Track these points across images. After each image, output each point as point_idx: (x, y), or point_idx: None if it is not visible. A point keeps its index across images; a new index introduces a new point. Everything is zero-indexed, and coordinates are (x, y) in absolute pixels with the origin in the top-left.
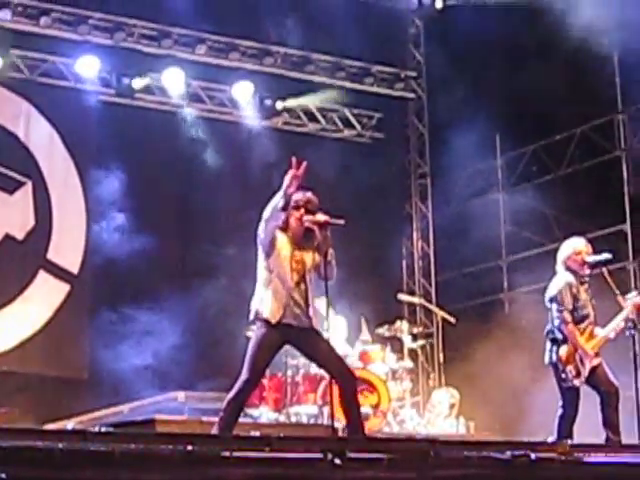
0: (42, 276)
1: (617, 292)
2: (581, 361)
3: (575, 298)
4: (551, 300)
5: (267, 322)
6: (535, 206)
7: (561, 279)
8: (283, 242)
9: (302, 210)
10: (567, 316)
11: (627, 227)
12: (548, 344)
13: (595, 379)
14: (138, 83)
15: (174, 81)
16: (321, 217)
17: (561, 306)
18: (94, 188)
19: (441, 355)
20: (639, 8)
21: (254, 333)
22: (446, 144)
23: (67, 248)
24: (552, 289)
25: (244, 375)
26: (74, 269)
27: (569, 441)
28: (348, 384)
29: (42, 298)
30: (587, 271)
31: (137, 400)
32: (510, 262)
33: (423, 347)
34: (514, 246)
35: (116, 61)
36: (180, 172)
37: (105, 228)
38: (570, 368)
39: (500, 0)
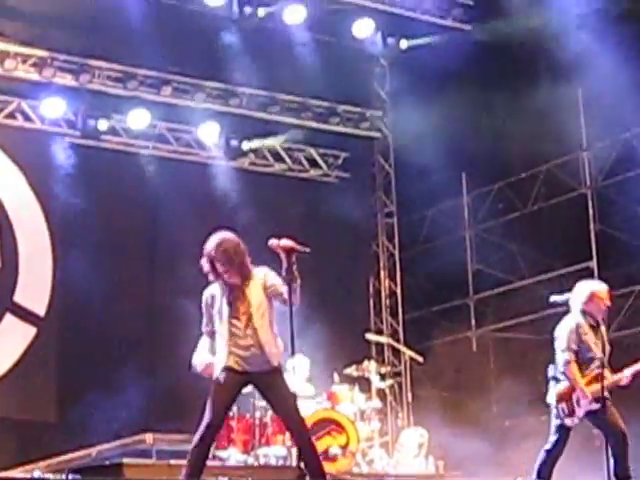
0: (9, 319)
1: None
2: (577, 401)
3: (580, 340)
4: (556, 339)
5: (223, 369)
6: (502, 243)
7: (571, 320)
8: (217, 294)
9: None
10: (569, 356)
11: (593, 264)
12: (550, 382)
13: (601, 422)
14: (103, 124)
15: (140, 122)
16: (287, 242)
17: (564, 346)
18: (60, 229)
19: (409, 394)
20: (602, 45)
21: (214, 379)
22: (412, 182)
23: (34, 290)
24: (559, 328)
25: (206, 419)
26: (41, 311)
27: None
28: (301, 438)
29: (8, 341)
30: (603, 316)
31: (105, 443)
32: (477, 299)
33: (391, 387)
34: (481, 284)
35: (81, 102)
36: (147, 213)
37: (71, 269)
38: (563, 406)
39: (465, 39)
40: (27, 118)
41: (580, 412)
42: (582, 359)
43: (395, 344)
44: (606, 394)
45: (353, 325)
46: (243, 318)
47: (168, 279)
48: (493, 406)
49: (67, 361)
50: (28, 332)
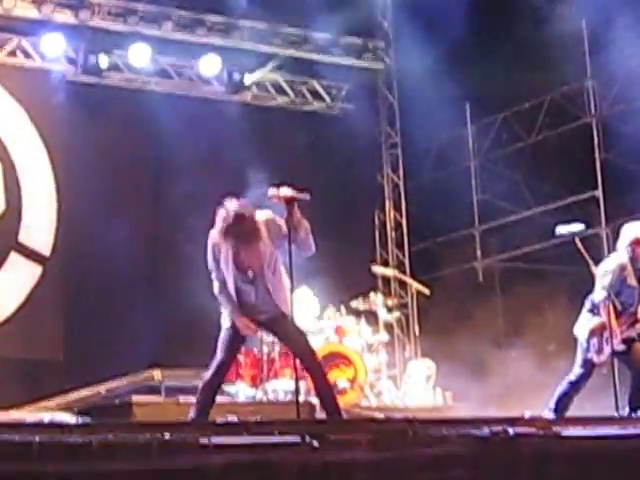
0: (13, 258)
1: (591, 263)
2: (607, 340)
3: (624, 281)
4: (600, 274)
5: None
6: (507, 174)
7: (616, 259)
8: (227, 254)
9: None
10: (607, 294)
11: (599, 193)
12: (584, 313)
13: (626, 357)
14: (104, 61)
15: (141, 58)
16: (287, 191)
17: (605, 283)
18: (64, 168)
19: (416, 326)
20: None
21: (225, 321)
22: (416, 113)
23: (38, 230)
24: (605, 264)
25: (218, 357)
26: (46, 251)
27: (547, 416)
28: (316, 373)
29: (15, 281)
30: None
31: (114, 380)
32: (483, 230)
33: (398, 319)
34: (487, 214)
35: (82, 39)
36: (150, 150)
37: (75, 208)
38: (594, 341)
39: None
40: (27, 56)
41: (608, 350)
42: (621, 301)
43: (401, 276)
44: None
45: (359, 258)
46: (250, 270)
47: (173, 214)
48: (500, 336)
49: (74, 299)
50: (34, 271)
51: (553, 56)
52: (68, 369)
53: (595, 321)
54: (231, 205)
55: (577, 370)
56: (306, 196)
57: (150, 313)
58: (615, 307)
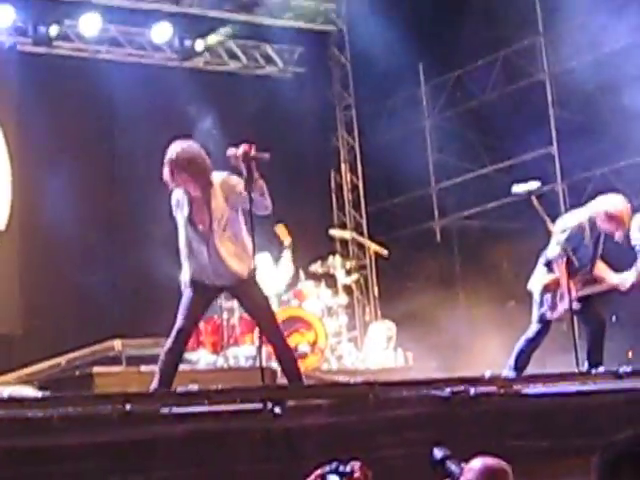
0: None
1: (548, 220)
2: (561, 297)
3: (582, 241)
4: (557, 229)
5: (193, 282)
6: (461, 132)
7: (577, 217)
8: (181, 200)
9: None
10: (563, 251)
11: (554, 149)
12: (538, 267)
13: (582, 312)
14: (55, 31)
15: (91, 27)
16: (245, 148)
17: (562, 239)
18: (16, 140)
19: (375, 288)
20: None
21: (185, 290)
22: (370, 75)
23: None
24: (565, 221)
25: (177, 325)
26: (0, 225)
27: (507, 374)
28: (276, 338)
29: None
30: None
31: (74, 351)
32: (439, 189)
33: (357, 281)
34: (443, 173)
35: (31, 10)
36: (102, 118)
37: (29, 181)
38: (547, 297)
39: None
40: None
41: (562, 307)
42: (577, 257)
43: (359, 238)
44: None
45: (316, 221)
46: (204, 232)
47: (127, 184)
48: (459, 295)
49: (31, 273)
50: None
51: (504, 14)
52: (26, 343)
53: (549, 277)
54: (176, 146)
55: (533, 327)
56: (265, 155)
57: (109, 283)
58: (570, 264)
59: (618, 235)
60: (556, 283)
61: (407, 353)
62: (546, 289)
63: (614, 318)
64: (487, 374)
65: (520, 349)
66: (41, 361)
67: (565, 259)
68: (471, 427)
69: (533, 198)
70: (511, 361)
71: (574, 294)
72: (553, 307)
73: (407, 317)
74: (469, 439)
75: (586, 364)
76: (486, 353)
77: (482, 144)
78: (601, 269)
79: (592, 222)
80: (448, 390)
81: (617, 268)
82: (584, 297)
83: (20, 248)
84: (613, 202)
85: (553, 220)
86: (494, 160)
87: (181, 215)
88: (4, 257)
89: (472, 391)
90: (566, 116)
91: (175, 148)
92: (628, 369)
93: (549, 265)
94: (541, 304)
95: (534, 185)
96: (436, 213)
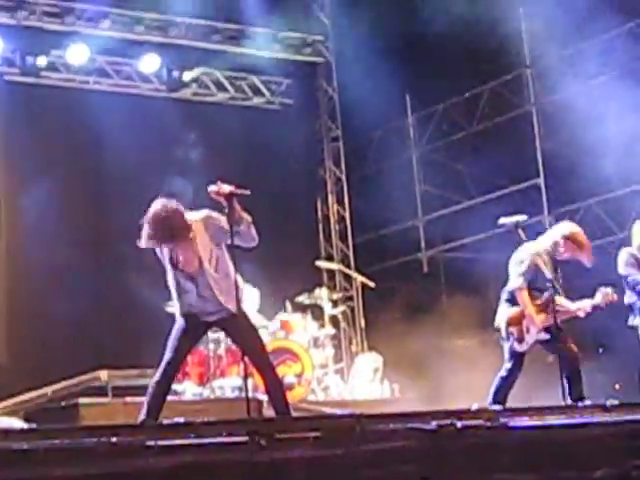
0: None
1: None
2: (527, 329)
3: (540, 269)
4: (514, 262)
5: (185, 315)
6: (449, 164)
7: (536, 246)
8: (163, 250)
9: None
10: (522, 282)
11: (541, 181)
12: (502, 304)
13: (552, 347)
14: (43, 61)
15: (79, 57)
16: (226, 187)
17: (521, 271)
18: (3, 169)
19: (362, 320)
20: None
21: (177, 322)
22: (357, 106)
23: None
24: (520, 252)
25: (167, 357)
26: None
27: (494, 407)
28: (267, 370)
29: None
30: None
31: (60, 381)
32: (427, 221)
33: (344, 312)
34: (430, 205)
35: (19, 40)
36: (90, 148)
37: (16, 210)
38: (513, 330)
39: None
40: None
41: (530, 339)
42: (536, 287)
43: (346, 270)
44: (559, 323)
45: (303, 252)
46: (194, 272)
47: (114, 213)
48: (446, 327)
49: (16, 302)
50: None
51: (491, 45)
52: (12, 374)
53: (512, 310)
54: (155, 206)
55: (506, 365)
56: (245, 191)
57: (95, 314)
58: (531, 294)
59: (586, 258)
60: (520, 316)
61: (393, 385)
62: (510, 323)
63: (601, 350)
64: (474, 406)
65: (496, 387)
66: (27, 391)
67: (526, 289)
68: (458, 460)
69: (520, 230)
70: (489, 399)
71: (540, 325)
72: (520, 339)
73: (394, 348)
74: (456, 473)
75: (569, 400)
76: (473, 385)
77: (469, 175)
78: (560, 299)
79: (551, 250)
80: (434, 423)
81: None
82: (551, 327)
83: (5, 277)
84: (568, 227)
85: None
86: (481, 191)
87: (168, 259)
88: None
89: (459, 424)
90: (553, 148)
91: (147, 219)
92: (615, 402)
93: (511, 300)
94: (508, 339)
95: (521, 217)
96: (423, 244)
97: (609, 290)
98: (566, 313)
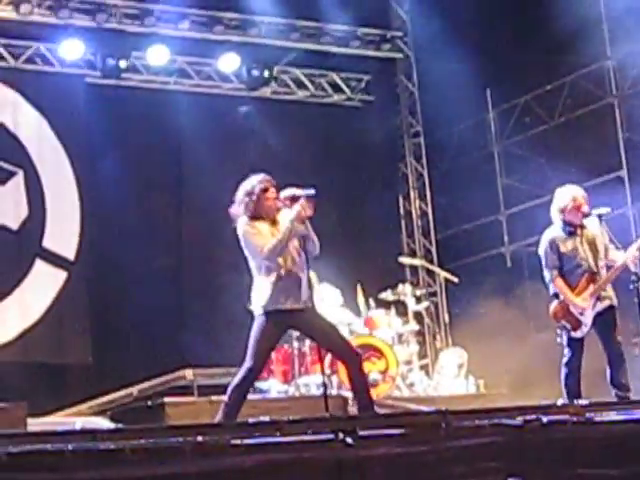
0: (39, 264)
1: (619, 246)
2: (580, 312)
3: (559, 252)
4: (540, 257)
5: (267, 312)
6: (530, 158)
7: (545, 238)
8: (265, 230)
9: (271, 190)
10: (553, 273)
11: (624, 173)
12: (553, 300)
13: (600, 332)
14: (123, 63)
15: (159, 58)
16: (289, 192)
17: (546, 264)
18: (86, 172)
19: (446, 315)
20: None
21: (256, 321)
22: (437, 101)
23: (62, 235)
24: (539, 247)
25: (247, 363)
26: (70, 255)
27: (579, 400)
28: (351, 361)
29: (40, 286)
30: (582, 220)
31: (145, 381)
32: (509, 215)
33: (428, 308)
34: (512, 199)
35: (100, 42)
36: (172, 150)
37: (99, 211)
38: (564, 322)
39: None
40: (46, 62)
41: (587, 320)
42: (568, 269)
43: (429, 265)
44: (608, 293)
45: (386, 249)
46: (290, 255)
47: (195, 213)
48: (531, 321)
49: (100, 303)
50: (59, 276)
51: (572, 36)
52: (97, 373)
53: (554, 304)
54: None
55: (565, 351)
56: (311, 191)
57: (176, 313)
58: (566, 278)
59: (585, 208)
60: (563, 306)
61: (479, 380)
62: (556, 317)
63: None
64: (559, 401)
65: (564, 377)
66: (113, 391)
67: (559, 277)
68: (543, 455)
69: (603, 223)
70: (563, 393)
71: (586, 304)
72: (576, 327)
73: (478, 344)
74: (541, 468)
75: (613, 391)
76: (558, 380)
77: (551, 169)
78: (614, 256)
79: (562, 222)
80: (520, 418)
81: None
82: (599, 314)
83: (89, 279)
84: (556, 200)
85: (624, 244)
86: (563, 185)
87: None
88: (73, 287)
89: (544, 419)
90: (635, 139)
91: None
92: None
93: (555, 294)
94: (563, 332)
95: (604, 210)
96: (506, 239)
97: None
98: (615, 271)
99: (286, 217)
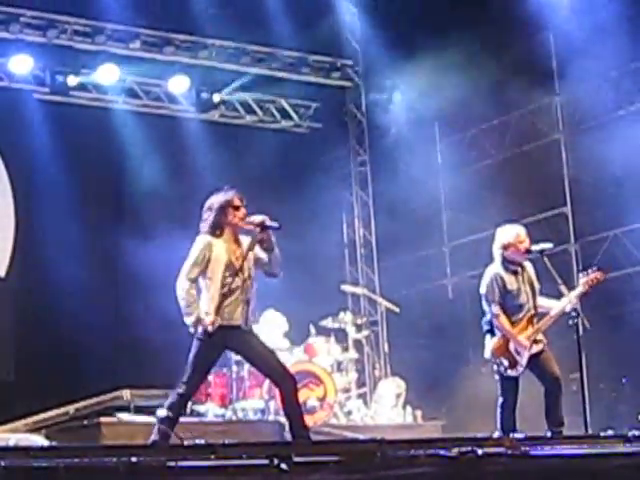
0: None
1: (560, 281)
2: (517, 351)
3: (504, 289)
4: (482, 295)
5: (206, 331)
6: (475, 191)
7: (489, 273)
8: (219, 248)
9: (242, 210)
10: (496, 309)
11: (568, 209)
12: (486, 337)
13: (537, 369)
14: (72, 80)
15: (109, 77)
16: (258, 217)
17: (492, 299)
18: (26, 189)
19: (386, 344)
20: None
21: (194, 343)
22: (385, 131)
23: None
24: (482, 284)
25: (180, 388)
26: (1, 272)
27: (515, 434)
28: (287, 386)
29: None
30: (526, 259)
31: (83, 400)
32: (452, 247)
33: (368, 337)
34: (455, 231)
35: (50, 58)
36: (116, 169)
37: (35, 230)
38: (502, 359)
39: None
40: None
41: (523, 360)
42: (510, 308)
43: (371, 295)
44: (541, 337)
45: (328, 276)
46: (241, 274)
47: (137, 234)
48: (470, 354)
49: (29, 319)
50: None
51: (520, 72)
52: (20, 390)
53: (495, 339)
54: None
55: (500, 393)
56: (275, 224)
57: (107, 332)
58: (507, 316)
59: (527, 244)
60: (504, 343)
61: (416, 411)
62: (496, 352)
63: (624, 380)
64: (495, 434)
65: (500, 417)
66: (36, 409)
67: (502, 314)
68: None
69: (545, 258)
70: (498, 428)
71: (527, 343)
72: (513, 365)
73: (417, 374)
74: None
75: (546, 425)
76: (494, 412)
77: (494, 202)
78: (542, 300)
79: (502, 259)
80: (456, 450)
81: None
82: (534, 355)
83: (18, 296)
84: (499, 237)
85: (565, 279)
86: (507, 219)
87: (216, 259)
88: (1, 303)
89: (480, 451)
90: (580, 176)
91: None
92: (638, 433)
93: (491, 330)
94: (498, 369)
95: (546, 245)
96: (448, 270)
97: (589, 271)
98: (553, 317)
99: (245, 242)
